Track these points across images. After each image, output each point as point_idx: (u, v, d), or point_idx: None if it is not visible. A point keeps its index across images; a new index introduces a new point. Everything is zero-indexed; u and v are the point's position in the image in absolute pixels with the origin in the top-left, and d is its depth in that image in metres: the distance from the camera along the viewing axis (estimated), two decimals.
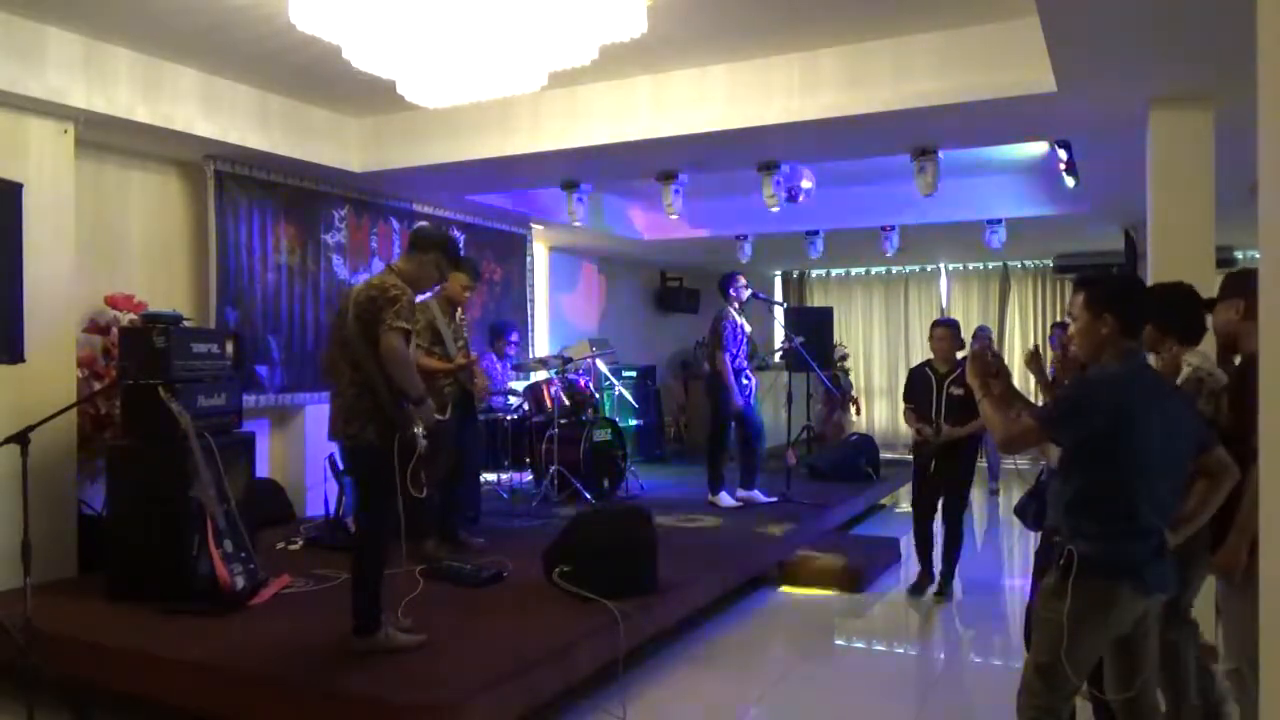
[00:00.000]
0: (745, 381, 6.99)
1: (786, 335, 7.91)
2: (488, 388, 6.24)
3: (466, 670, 3.44)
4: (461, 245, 8.21)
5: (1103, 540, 2.50)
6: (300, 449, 6.81)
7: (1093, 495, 2.51)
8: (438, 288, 5.37)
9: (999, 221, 8.43)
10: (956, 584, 5.67)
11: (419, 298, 3.98)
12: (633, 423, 9.65)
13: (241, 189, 6.20)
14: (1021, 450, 2.77)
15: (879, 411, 12.68)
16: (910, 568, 6.52)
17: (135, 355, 4.56)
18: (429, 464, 3.67)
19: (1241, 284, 3.05)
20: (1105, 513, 2.50)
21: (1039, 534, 3.39)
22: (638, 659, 4.28)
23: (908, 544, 6.99)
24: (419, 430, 3.56)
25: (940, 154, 5.83)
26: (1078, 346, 2.68)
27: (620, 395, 9.38)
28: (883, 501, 8.76)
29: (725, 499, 6.99)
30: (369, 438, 3.57)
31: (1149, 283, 4.72)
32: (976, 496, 8.11)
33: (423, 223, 7.70)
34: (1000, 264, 11.91)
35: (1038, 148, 6.84)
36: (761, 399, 7.50)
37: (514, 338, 7.68)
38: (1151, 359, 3.38)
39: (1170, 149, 4.71)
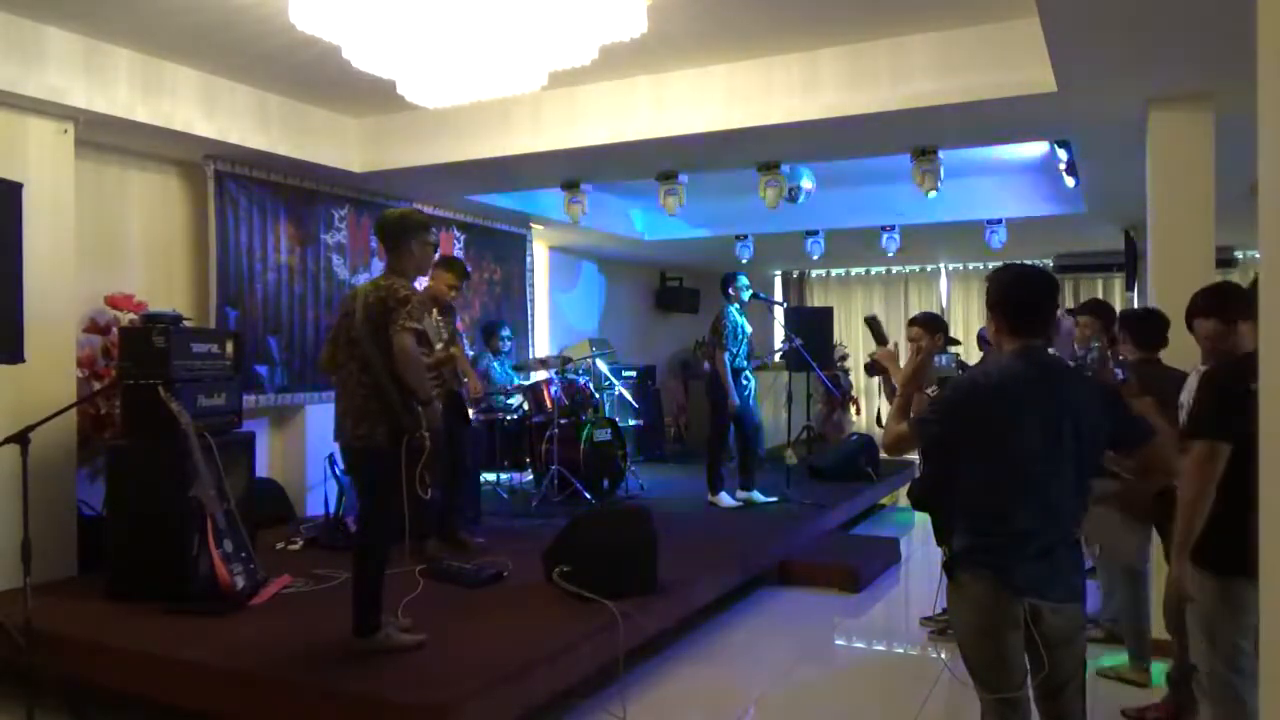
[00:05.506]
0: (744, 381, 6.99)
1: (786, 335, 7.91)
2: (480, 387, 6.22)
3: (466, 670, 3.44)
4: (461, 245, 8.23)
5: (969, 536, 2.45)
6: (300, 449, 6.81)
7: (965, 494, 2.47)
8: (424, 284, 5.37)
9: (999, 221, 8.43)
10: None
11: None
12: (633, 423, 9.65)
13: (241, 189, 6.19)
14: (904, 453, 2.72)
15: (879, 411, 12.68)
16: (911, 568, 6.52)
17: (135, 355, 4.57)
18: (431, 465, 3.67)
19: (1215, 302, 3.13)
20: (975, 512, 2.45)
21: None
22: (638, 659, 4.28)
23: (908, 544, 7.00)
24: (425, 432, 3.57)
25: (940, 154, 5.84)
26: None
27: (620, 395, 9.38)
28: (883, 501, 8.76)
29: (725, 499, 6.99)
30: (379, 440, 3.56)
31: (1150, 283, 4.75)
32: None
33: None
34: (1000, 264, 11.89)
35: (1038, 148, 6.85)
36: (761, 399, 7.50)
37: (506, 333, 7.66)
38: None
39: (1170, 149, 4.71)
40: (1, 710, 3.66)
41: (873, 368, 3.43)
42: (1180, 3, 3.52)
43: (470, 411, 5.88)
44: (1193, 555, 2.81)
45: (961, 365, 4.41)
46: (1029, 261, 11.73)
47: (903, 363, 2.89)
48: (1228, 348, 3.05)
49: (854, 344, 12.67)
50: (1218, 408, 2.73)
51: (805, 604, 5.58)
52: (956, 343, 4.97)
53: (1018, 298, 2.50)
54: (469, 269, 6.16)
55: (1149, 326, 3.97)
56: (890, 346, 3.17)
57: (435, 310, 5.31)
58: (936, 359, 4.09)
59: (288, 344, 6.57)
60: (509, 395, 7.59)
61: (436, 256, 4.46)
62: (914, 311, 12.39)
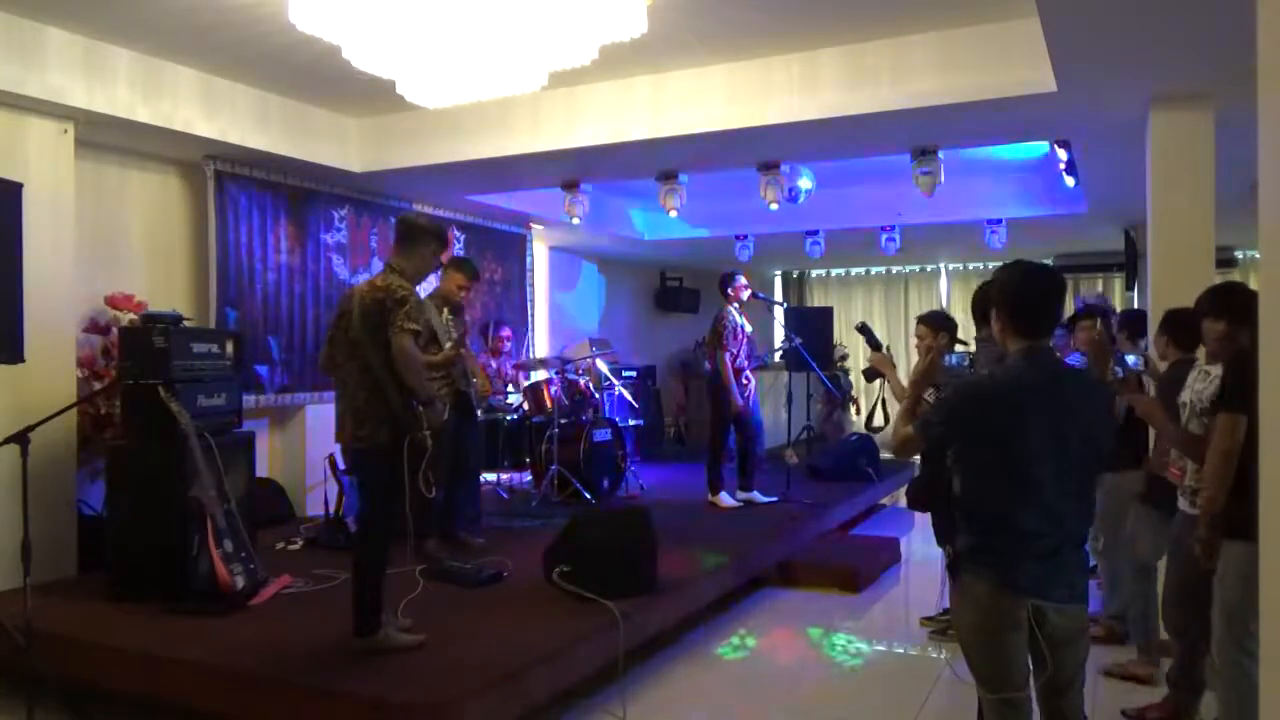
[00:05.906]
0: (745, 381, 6.99)
1: (786, 335, 7.91)
2: (489, 387, 6.23)
3: (466, 670, 3.44)
4: (461, 245, 8.23)
5: (972, 536, 2.44)
6: (300, 449, 6.81)
7: (968, 495, 2.46)
8: (435, 285, 5.39)
9: (999, 221, 8.44)
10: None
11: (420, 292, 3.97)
12: (633, 423, 9.65)
13: (241, 189, 6.19)
14: (913, 454, 2.72)
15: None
16: (911, 568, 6.52)
17: (135, 355, 4.56)
18: (434, 464, 3.67)
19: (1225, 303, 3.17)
20: (979, 513, 2.44)
21: None
22: (638, 659, 4.28)
23: (908, 544, 7.00)
24: (427, 431, 3.57)
25: (940, 154, 5.84)
26: None
27: (620, 395, 9.38)
28: (883, 501, 8.75)
29: (725, 499, 6.98)
30: (381, 441, 3.56)
31: (1150, 283, 4.75)
32: None
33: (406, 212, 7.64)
34: (1000, 264, 11.88)
35: (1038, 148, 6.85)
36: (762, 399, 7.49)
37: (505, 333, 7.65)
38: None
39: (1170, 149, 4.71)
40: (1, 710, 3.67)
41: (871, 373, 3.43)
42: (1180, 3, 3.52)
43: (478, 411, 5.89)
44: (1217, 525, 2.89)
45: (973, 363, 4.38)
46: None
47: (902, 364, 2.89)
48: (1235, 348, 3.06)
49: (854, 347, 12.67)
50: (1245, 384, 2.76)
51: (805, 604, 5.58)
52: (963, 343, 4.94)
53: (1024, 296, 2.48)
54: (478, 270, 6.17)
55: (1193, 328, 3.90)
56: (884, 351, 3.16)
57: (446, 309, 5.33)
58: (948, 358, 4.08)
59: (288, 344, 6.56)
60: (506, 395, 7.59)
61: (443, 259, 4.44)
62: (914, 311, 12.43)
